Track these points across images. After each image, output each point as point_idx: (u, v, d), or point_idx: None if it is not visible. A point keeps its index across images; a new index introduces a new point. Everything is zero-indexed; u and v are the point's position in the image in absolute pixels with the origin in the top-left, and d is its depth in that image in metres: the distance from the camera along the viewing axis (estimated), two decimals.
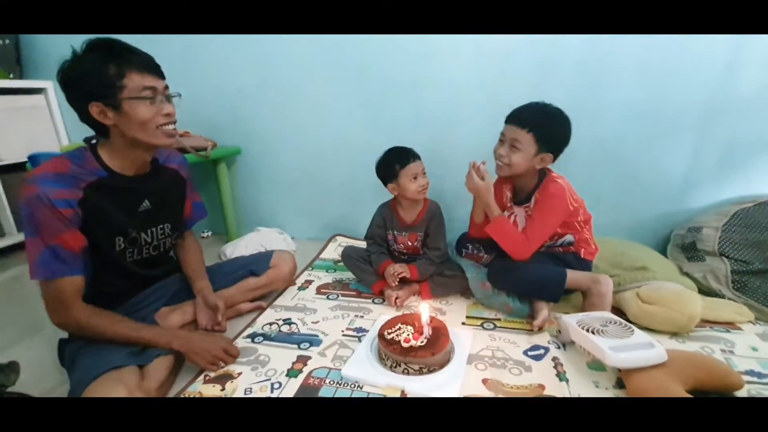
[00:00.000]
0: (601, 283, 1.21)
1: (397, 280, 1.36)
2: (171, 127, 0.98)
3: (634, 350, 0.95)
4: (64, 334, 1.04)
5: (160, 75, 0.96)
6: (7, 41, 2.04)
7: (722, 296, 1.35)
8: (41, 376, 1.08)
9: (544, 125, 1.18)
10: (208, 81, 1.91)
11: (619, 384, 0.98)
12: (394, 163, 1.35)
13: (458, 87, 1.69)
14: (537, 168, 1.24)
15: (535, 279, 1.23)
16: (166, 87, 0.97)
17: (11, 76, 2.06)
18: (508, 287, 1.31)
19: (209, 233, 2.21)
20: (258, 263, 1.38)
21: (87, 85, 0.88)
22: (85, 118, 0.92)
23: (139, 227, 1.04)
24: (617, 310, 1.28)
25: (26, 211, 0.86)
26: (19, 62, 2.10)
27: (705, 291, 1.38)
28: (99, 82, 0.87)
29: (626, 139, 1.61)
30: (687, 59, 1.47)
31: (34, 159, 1.42)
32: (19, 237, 1.99)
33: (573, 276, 1.23)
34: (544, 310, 1.21)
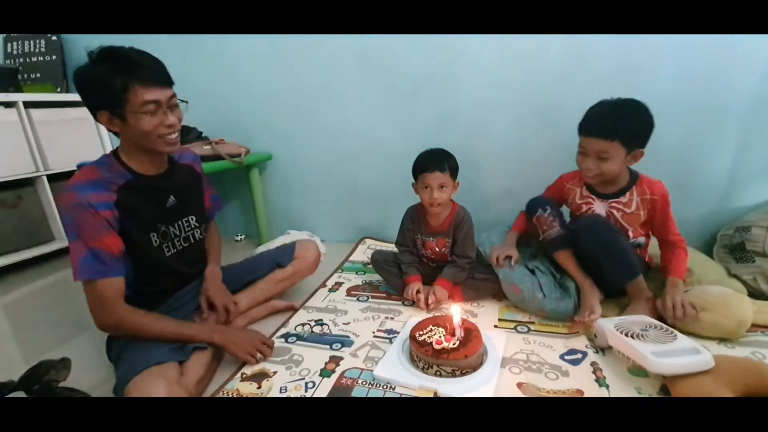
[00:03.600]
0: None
1: (414, 296, 1.37)
2: (173, 136, 1.00)
3: (679, 356, 0.91)
4: None
5: (166, 84, 0.96)
6: (54, 57, 2.17)
7: None
8: (89, 372, 1.13)
9: (628, 128, 1.12)
10: (240, 89, 1.97)
11: (664, 391, 0.94)
12: (417, 166, 1.35)
13: (486, 87, 1.67)
14: (629, 165, 1.22)
15: (621, 250, 1.18)
16: (172, 96, 0.98)
17: (59, 90, 2.19)
18: (594, 244, 1.21)
19: (243, 237, 2.27)
20: (283, 255, 1.42)
21: (95, 93, 0.92)
22: (95, 118, 0.96)
23: (167, 221, 1.10)
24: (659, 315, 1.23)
25: (68, 217, 0.92)
26: (66, 77, 2.23)
27: (755, 294, 1.31)
28: (106, 93, 0.90)
29: (667, 136, 1.54)
30: (730, 52, 1.40)
31: None
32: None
33: (641, 280, 1.19)
34: (596, 306, 1.17)
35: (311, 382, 1.03)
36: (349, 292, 1.54)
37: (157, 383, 0.86)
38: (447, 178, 1.31)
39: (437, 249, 1.45)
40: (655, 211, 1.22)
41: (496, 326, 1.26)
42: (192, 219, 1.18)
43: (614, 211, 1.26)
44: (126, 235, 0.98)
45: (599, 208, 1.28)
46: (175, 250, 1.13)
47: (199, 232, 1.22)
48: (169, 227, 1.11)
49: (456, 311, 1.07)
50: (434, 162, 1.31)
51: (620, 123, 1.12)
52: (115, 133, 0.99)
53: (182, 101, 1.01)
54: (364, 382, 1.02)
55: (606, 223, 1.24)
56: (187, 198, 1.16)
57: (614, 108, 1.14)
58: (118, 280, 0.98)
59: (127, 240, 0.99)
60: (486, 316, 1.33)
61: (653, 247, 1.33)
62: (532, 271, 1.33)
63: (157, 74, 0.95)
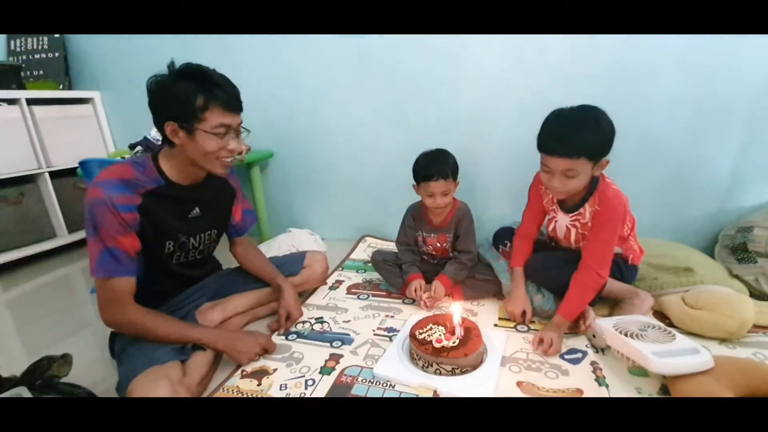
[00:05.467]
0: (640, 297, 1.19)
1: (415, 294, 1.37)
2: (229, 160, 1.02)
3: (679, 356, 0.91)
4: None
5: (239, 111, 1.00)
6: (56, 54, 2.18)
7: None
8: (91, 368, 1.14)
9: (591, 142, 1.04)
10: (241, 87, 1.94)
11: (664, 391, 0.94)
12: (418, 172, 1.34)
13: (488, 85, 1.67)
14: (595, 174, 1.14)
15: (562, 289, 1.18)
16: (240, 123, 1.01)
17: (61, 87, 2.20)
18: (542, 284, 1.28)
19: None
20: (292, 264, 1.42)
21: (172, 105, 0.93)
22: (159, 126, 0.97)
23: (188, 233, 1.10)
24: (659, 314, 1.23)
25: (90, 213, 0.92)
26: (68, 74, 2.24)
27: (757, 295, 1.30)
28: (184, 108, 0.92)
29: (669, 135, 1.54)
30: (733, 52, 1.39)
31: (84, 165, 1.50)
32: (70, 238, 2.13)
33: (611, 286, 1.18)
34: (590, 310, 1.17)
35: (311, 379, 1.04)
36: (349, 290, 1.54)
37: (161, 383, 0.86)
38: (450, 184, 1.31)
39: (438, 245, 1.45)
40: (593, 221, 1.16)
41: (496, 325, 1.26)
42: (213, 233, 1.18)
43: (576, 225, 1.22)
44: (142, 237, 0.99)
45: (561, 220, 1.25)
46: (186, 260, 1.14)
47: (215, 245, 1.23)
48: (189, 239, 1.10)
49: (456, 310, 1.07)
50: (437, 169, 1.30)
51: (583, 138, 1.04)
52: (170, 143, 0.99)
53: (245, 129, 1.04)
54: (364, 380, 1.02)
55: (542, 264, 1.27)
56: (213, 211, 1.15)
57: (574, 122, 1.05)
58: (130, 279, 0.98)
59: (142, 242, 1.00)
60: (486, 315, 1.33)
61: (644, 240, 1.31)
62: None
63: (235, 100, 0.99)
